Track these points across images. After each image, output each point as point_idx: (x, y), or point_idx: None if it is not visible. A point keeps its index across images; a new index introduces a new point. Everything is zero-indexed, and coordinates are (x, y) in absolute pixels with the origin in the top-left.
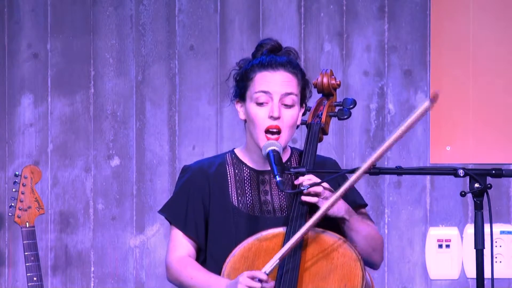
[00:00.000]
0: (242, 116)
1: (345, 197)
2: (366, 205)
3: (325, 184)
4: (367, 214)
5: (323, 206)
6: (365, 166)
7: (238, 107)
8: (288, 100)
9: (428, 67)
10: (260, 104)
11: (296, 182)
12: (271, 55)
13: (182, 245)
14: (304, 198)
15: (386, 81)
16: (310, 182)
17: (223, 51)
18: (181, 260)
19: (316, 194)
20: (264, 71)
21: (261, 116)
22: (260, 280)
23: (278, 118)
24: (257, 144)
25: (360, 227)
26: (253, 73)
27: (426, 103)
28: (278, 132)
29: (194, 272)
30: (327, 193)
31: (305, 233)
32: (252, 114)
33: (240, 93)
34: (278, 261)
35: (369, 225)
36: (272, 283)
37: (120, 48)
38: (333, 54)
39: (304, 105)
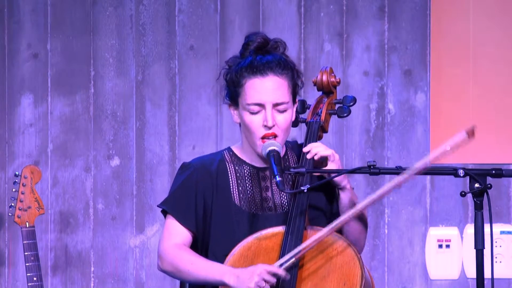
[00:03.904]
0: (236, 119)
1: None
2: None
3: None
4: None
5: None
6: (378, 193)
7: (232, 110)
8: (281, 107)
9: (428, 67)
10: (253, 113)
11: (304, 150)
12: (259, 56)
13: (178, 234)
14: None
15: (386, 81)
16: (320, 152)
17: (223, 51)
18: (177, 246)
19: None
20: (253, 77)
21: (256, 125)
22: (274, 275)
23: (272, 126)
24: (254, 149)
25: (356, 201)
26: (243, 78)
27: (462, 136)
28: (275, 137)
29: (194, 258)
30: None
31: (328, 233)
32: (247, 122)
33: (232, 98)
34: (293, 259)
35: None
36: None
37: (120, 48)
38: (333, 54)
39: (296, 100)
